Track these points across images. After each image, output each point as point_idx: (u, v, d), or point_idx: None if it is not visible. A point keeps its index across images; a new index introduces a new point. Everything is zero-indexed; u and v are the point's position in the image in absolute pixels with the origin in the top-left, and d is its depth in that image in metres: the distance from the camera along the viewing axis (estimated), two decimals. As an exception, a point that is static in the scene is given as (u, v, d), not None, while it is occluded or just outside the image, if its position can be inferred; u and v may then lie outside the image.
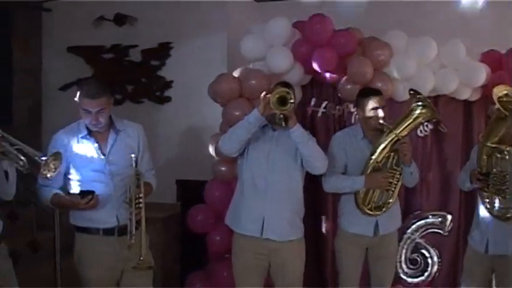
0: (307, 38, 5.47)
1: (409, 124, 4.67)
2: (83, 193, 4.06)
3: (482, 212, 4.80)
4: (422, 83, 5.44)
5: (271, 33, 5.52)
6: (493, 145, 4.61)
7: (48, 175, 3.68)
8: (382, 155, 4.70)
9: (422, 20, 6.05)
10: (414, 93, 4.70)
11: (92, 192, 4.05)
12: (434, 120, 5.00)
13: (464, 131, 5.90)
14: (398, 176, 4.77)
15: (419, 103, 4.65)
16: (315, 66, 5.42)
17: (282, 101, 4.26)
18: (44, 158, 3.62)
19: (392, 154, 4.72)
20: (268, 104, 4.28)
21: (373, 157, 4.69)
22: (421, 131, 5.80)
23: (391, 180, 4.74)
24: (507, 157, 4.58)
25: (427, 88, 5.49)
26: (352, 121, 5.60)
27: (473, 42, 5.84)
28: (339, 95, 5.67)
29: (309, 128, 5.57)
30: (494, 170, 4.61)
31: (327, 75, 5.54)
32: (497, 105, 4.53)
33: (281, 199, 4.58)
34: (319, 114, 5.79)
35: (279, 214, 4.57)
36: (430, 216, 5.94)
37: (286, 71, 5.47)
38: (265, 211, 4.54)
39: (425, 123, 5.69)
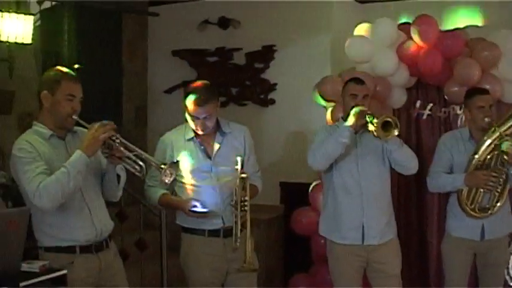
0: (413, 39, 5.47)
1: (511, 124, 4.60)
2: (196, 212, 4.17)
3: None
4: None
5: (377, 34, 5.56)
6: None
7: (166, 181, 3.79)
8: (485, 154, 4.64)
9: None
10: None
11: (205, 212, 4.16)
12: None
13: None
14: (503, 177, 4.70)
15: None
16: (421, 68, 5.42)
17: (386, 125, 4.28)
18: (163, 167, 3.72)
19: (496, 153, 4.64)
20: (360, 118, 4.32)
21: (476, 156, 4.65)
22: None
23: (494, 180, 4.66)
24: None
25: None
26: (458, 124, 5.56)
27: None
28: (445, 97, 5.63)
29: (414, 130, 5.74)
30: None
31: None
32: None
33: (377, 203, 4.60)
34: (425, 116, 5.75)
35: (378, 218, 4.59)
36: None
37: (391, 73, 5.49)
38: (364, 217, 4.55)
39: None
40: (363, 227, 4.52)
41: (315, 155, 4.52)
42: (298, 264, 5.97)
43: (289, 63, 6.65)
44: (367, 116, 4.35)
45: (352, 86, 4.60)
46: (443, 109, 5.73)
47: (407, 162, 4.58)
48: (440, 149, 4.91)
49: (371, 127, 4.32)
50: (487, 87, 5.15)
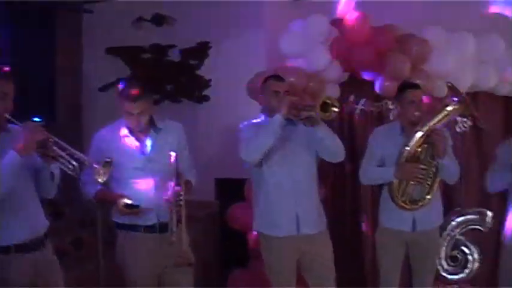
0: (345, 35, 5.55)
1: (443, 117, 4.69)
2: (129, 206, 4.18)
3: None
4: (461, 79, 5.49)
5: (310, 30, 5.62)
6: None
7: (100, 180, 3.80)
8: (415, 147, 4.72)
9: (461, 15, 6.04)
10: (450, 87, 4.77)
11: (137, 207, 4.17)
12: (470, 115, 5.08)
13: (504, 127, 5.98)
14: (433, 170, 4.78)
15: (454, 97, 4.69)
16: (353, 63, 5.52)
17: (324, 106, 4.31)
18: (96, 166, 3.73)
19: (426, 146, 4.74)
20: (293, 108, 4.35)
21: (407, 149, 4.72)
22: (460, 128, 5.89)
23: (424, 173, 4.75)
24: None
25: (466, 84, 5.58)
26: (391, 118, 5.69)
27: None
28: (377, 92, 5.71)
29: (347, 125, 5.82)
30: None
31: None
32: None
33: (309, 194, 4.66)
34: (357, 111, 5.86)
35: (310, 209, 4.66)
36: (470, 213, 5.98)
37: (324, 68, 5.56)
38: (297, 208, 4.59)
39: (464, 119, 5.78)
40: (297, 217, 4.57)
41: (247, 148, 4.51)
42: (235, 260, 6.02)
43: (224, 59, 6.68)
44: (302, 106, 4.38)
45: (273, 83, 4.63)
46: (375, 104, 5.84)
47: (338, 148, 4.61)
48: (372, 142, 4.98)
49: (304, 114, 4.34)
50: (418, 81, 5.24)
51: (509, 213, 4.95)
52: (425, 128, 4.67)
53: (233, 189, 5.88)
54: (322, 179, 5.15)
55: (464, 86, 5.43)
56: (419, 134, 4.68)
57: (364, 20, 5.54)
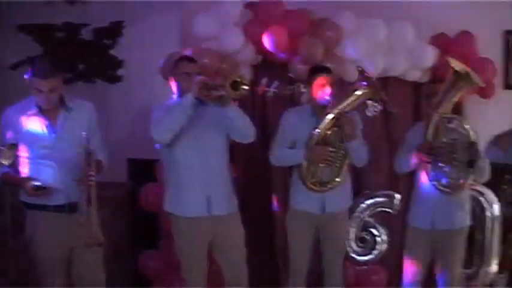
0: (259, 18, 5.59)
1: (353, 101, 4.82)
2: (37, 188, 4.16)
3: (427, 188, 4.99)
4: (371, 64, 5.62)
5: (224, 13, 5.63)
6: (444, 115, 4.87)
7: (6, 163, 3.76)
8: (325, 130, 4.83)
9: (372, 1, 6.08)
10: (360, 72, 4.85)
11: (45, 188, 4.17)
12: (379, 99, 5.04)
13: (413, 112, 6.12)
14: (343, 152, 4.90)
15: (364, 82, 4.80)
16: (266, 46, 5.54)
17: (235, 85, 4.37)
18: (1, 148, 3.68)
19: (336, 129, 4.85)
20: (203, 88, 4.38)
21: (317, 131, 4.82)
22: (370, 112, 5.71)
23: (333, 156, 4.86)
24: (457, 128, 4.86)
25: (377, 69, 5.68)
26: (303, 101, 5.68)
27: (423, 25, 6.03)
28: (290, 75, 5.76)
29: (260, 107, 5.88)
30: (444, 140, 4.86)
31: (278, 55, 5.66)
32: (457, 67, 4.78)
33: (220, 175, 4.73)
34: (270, 93, 5.74)
35: (222, 189, 4.73)
36: (379, 196, 6.08)
37: (237, 50, 5.60)
38: (209, 189, 4.65)
39: (374, 103, 5.72)
40: (208, 198, 4.62)
41: (158, 128, 4.51)
42: (147, 241, 6.02)
43: (138, 40, 6.60)
44: (213, 86, 4.42)
45: (184, 65, 4.67)
46: (288, 87, 5.85)
47: (248, 129, 4.68)
48: (283, 124, 5.05)
49: (215, 93, 4.38)
50: (330, 65, 5.27)
51: (414, 196, 5.18)
52: (335, 111, 4.77)
53: (146, 170, 5.87)
54: (233, 161, 5.24)
55: (374, 71, 5.54)
56: (329, 117, 4.79)
57: (278, 3, 5.59)
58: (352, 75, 5.61)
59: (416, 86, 6.02)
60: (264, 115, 5.95)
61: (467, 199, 5.13)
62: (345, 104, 4.81)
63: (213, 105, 4.53)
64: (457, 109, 5.67)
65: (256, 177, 6.05)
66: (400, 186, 6.07)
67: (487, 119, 5.85)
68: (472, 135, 4.85)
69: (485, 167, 4.92)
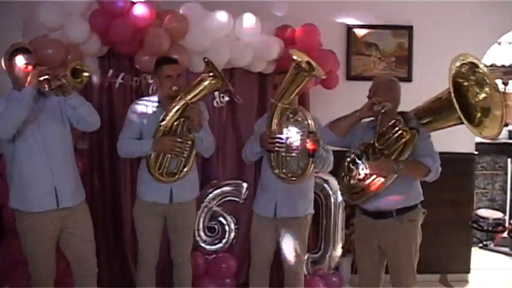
0: (104, 8, 5.63)
1: (199, 92, 5.04)
2: None
3: (269, 177, 5.27)
4: (217, 56, 5.76)
5: (68, 2, 5.64)
6: (287, 106, 5.11)
7: None
8: (172, 120, 5.04)
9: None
10: (207, 63, 5.05)
11: None
12: (224, 89, 5.34)
13: (259, 103, 6.37)
14: (189, 143, 5.12)
15: (210, 73, 5.01)
16: (112, 37, 5.61)
17: (75, 73, 4.54)
18: None
19: (182, 120, 5.06)
20: (43, 79, 4.47)
21: (163, 122, 5.03)
22: (217, 103, 6.21)
23: (181, 146, 5.06)
24: (299, 118, 5.13)
25: (222, 61, 5.85)
26: (150, 92, 5.87)
27: (268, 17, 6.35)
28: (136, 66, 5.84)
29: (106, 99, 5.95)
30: (286, 130, 5.13)
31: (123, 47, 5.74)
32: (298, 59, 5.00)
33: (65, 165, 4.84)
34: (117, 85, 5.96)
35: (68, 180, 4.85)
36: (226, 185, 6.35)
37: (83, 41, 5.62)
38: (55, 181, 4.75)
39: (222, 94, 6.16)
40: (55, 189, 4.73)
41: (2, 123, 4.55)
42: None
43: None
44: (52, 76, 4.53)
45: (21, 56, 4.67)
46: (135, 78, 6.00)
47: (93, 117, 4.85)
48: (130, 116, 5.22)
49: (55, 83, 4.49)
50: (176, 57, 5.47)
51: (259, 185, 5.47)
52: (182, 102, 4.99)
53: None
54: (78, 151, 5.45)
55: (220, 63, 5.74)
56: (176, 107, 5.00)
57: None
58: (197, 66, 5.82)
59: (261, 77, 6.28)
60: (111, 106, 6.02)
61: (310, 187, 5.45)
62: (191, 94, 5.02)
63: (54, 95, 4.67)
64: (303, 99, 6.02)
65: (103, 166, 6.11)
66: (248, 175, 6.35)
67: (331, 108, 5.99)
68: (313, 126, 5.15)
69: (326, 157, 5.26)
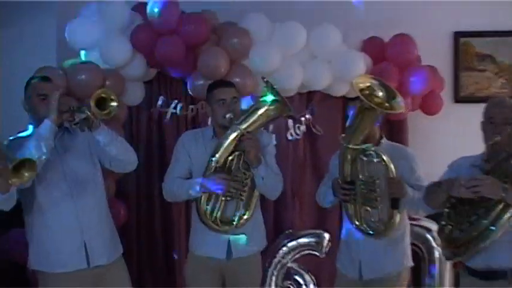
0: (150, 23, 5.50)
1: (257, 119, 4.75)
2: None
3: (350, 230, 4.96)
4: (289, 77, 5.67)
5: (106, 16, 5.55)
6: (358, 146, 4.73)
7: None
8: (225, 155, 4.75)
9: (288, 1, 6.15)
10: (266, 84, 4.78)
11: None
12: (288, 117, 5.23)
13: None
14: (248, 182, 4.82)
15: (269, 96, 4.72)
16: (160, 57, 5.47)
17: (101, 103, 4.34)
18: None
19: (238, 154, 4.79)
20: (64, 111, 4.35)
21: (215, 157, 4.74)
22: (291, 134, 6.03)
23: (236, 186, 4.77)
24: (374, 159, 4.73)
25: (295, 83, 5.76)
26: (209, 123, 5.66)
27: (352, 27, 6.12)
28: (190, 92, 5.74)
29: (156, 132, 5.85)
30: (360, 176, 4.74)
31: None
32: (361, 97, 4.61)
33: (96, 215, 4.66)
34: (168, 115, 5.88)
35: (100, 233, 4.67)
36: (304, 236, 6.11)
37: (124, 63, 5.53)
38: (84, 235, 4.57)
39: (297, 124, 5.95)
40: (85, 245, 4.55)
41: None
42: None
43: (11, 48, 6.51)
44: (75, 107, 4.41)
45: (38, 85, 4.55)
46: (190, 107, 5.88)
47: (127, 156, 4.70)
48: (177, 150, 4.99)
49: (79, 115, 4.34)
50: (237, 80, 5.38)
51: (342, 236, 5.15)
52: (236, 132, 4.70)
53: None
54: (121, 198, 5.40)
55: (293, 85, 5.62)
56: (230, 138, 4.72)
57: (172, 6, 5.47)
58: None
59: (346, 101, 5.95)
60: (162, 140, 5.93)
61: (402, 237, 5.06)
62: (247, 122, 4.74)
63: (80, 131, 4.48)
64: (399, 128, 5.86)
65: (153, 216, 6.02)
66: (330, 223, 6.16)
67: (435, 139, 6.06)
68: (393, 168, 4.74)
69: (416, 203, 4.81)
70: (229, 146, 4.74)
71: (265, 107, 4.75)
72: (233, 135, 4.72)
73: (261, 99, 4.79)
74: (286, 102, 4.75)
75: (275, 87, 4.75)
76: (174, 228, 5.98)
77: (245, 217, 4.87)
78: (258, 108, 4.78)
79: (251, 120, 4.75)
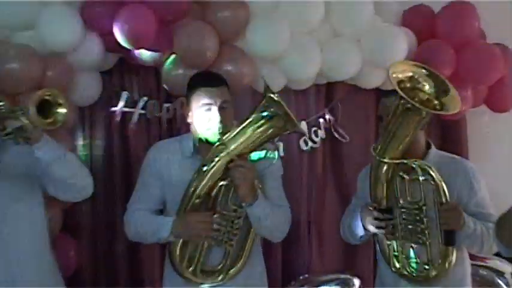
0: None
1: (246, 139, 3.97)
2: None
3: (387, 272, 4.32)
4: (301, 64, 5.03)
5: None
6: (396, 161, 4.05)
7: None
8: (207, 186, 3.99)
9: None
10: (266, 89, 3.99)
11: None
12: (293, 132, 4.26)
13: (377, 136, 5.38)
14: (238, 220, 4.09)
15: (266, 108, 3.94)
16: (122, 37, 4.68)
17: (44, 108, 3.73)
18: None
19: (226, 184, 4.04)
20: None
21: (193, 188, 4.00)
22: (306, 142, 5.44)
23: (221, 227, 4.06)
24: (420, 177, 4.06)
25: (311, 71, 5.13)
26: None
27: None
28: (165, 86, 5.07)
29: (118, 139, 5.34)
30: (401, 200, 4.07)
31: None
32: (400, 93, 3.91)
33: (36, 251, 4.10)
34: (135, 118, 5.22)
35: (37, 271, 4.11)
36: (326, 282, 5.55)
37: (73, 46, 4.77)
38: (15, 271, 4.00)
39: (314, 128, 5.47)
40: (13, 284, 4.02)
41: None
42: None
43: None
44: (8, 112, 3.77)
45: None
46: (164, 105, 5.25)
47: (79, 178, 4.08)
48: (145, 169, 4.28)
49: (11, 123, 3.70)
50: (228, 68, 4.79)
51: (377, 285, 4.56)
52: (223, 155, 3.93)
53: None
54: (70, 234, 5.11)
55: (306, 75, 5.06)
56: (213, 164, 3.96)
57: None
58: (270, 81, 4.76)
59: (381, 94, 5.03)
60: (126, 155, 5.28)
61: (461, 285, 4.36)
62: (237, 142, 3.96)
63: (14, 144, 3.88)
64: (454, 129, 5.55)
65: (113, 260, 5.36)
66: (361, 264, 5.63)
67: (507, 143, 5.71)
68: (446, 189, 4.05)
69: (480, 237, 4.15)
70: (215, 174, 3.98)
71: (260, 122, 3.93)
72: (217, 160, 3.99)
73: (255, 111, 4.00)
74: (290, 115, 3.92)
75: (276, 97, 3.89)
76: (143, 275, 5.35)
77: (238, 266, 4.15)
78: (250, 123, 3.96)
79: (241, 139, 3.97)
